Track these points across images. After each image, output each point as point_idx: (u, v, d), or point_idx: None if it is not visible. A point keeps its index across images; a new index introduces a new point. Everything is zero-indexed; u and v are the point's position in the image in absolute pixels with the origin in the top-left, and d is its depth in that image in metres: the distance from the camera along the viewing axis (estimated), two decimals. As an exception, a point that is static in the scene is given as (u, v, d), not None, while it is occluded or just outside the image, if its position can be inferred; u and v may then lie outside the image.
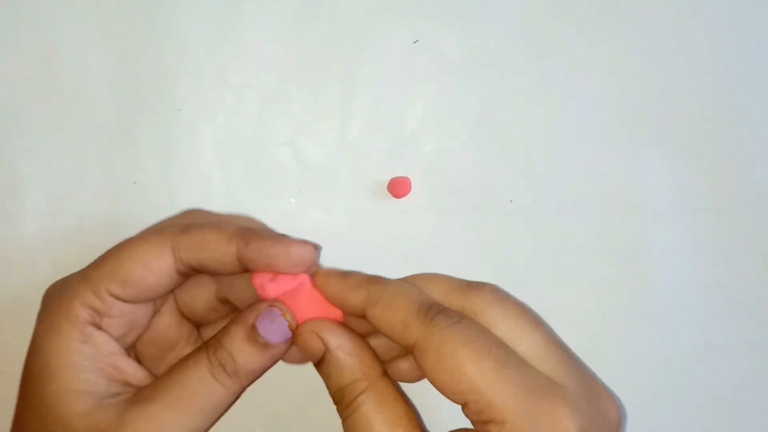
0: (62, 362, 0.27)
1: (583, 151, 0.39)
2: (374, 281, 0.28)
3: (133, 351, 0.31)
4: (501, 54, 0.39)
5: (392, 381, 0.28)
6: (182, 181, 0.39)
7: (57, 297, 0.29)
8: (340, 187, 0.39)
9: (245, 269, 0.29)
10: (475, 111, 0.39)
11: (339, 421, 0.38)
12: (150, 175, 0.39)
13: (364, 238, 0.38)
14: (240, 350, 0.28)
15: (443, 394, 0.25)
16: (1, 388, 0.38)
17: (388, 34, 0.39)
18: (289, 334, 0.28)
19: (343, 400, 0.27)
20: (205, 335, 0.34)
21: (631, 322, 0.39)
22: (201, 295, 0.32)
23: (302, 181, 0.39)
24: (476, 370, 0.24)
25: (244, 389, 0.29)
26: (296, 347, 0.29)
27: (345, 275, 0.28)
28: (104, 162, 0.39)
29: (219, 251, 0.28)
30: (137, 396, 0.28)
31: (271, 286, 0.29)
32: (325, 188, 0.39)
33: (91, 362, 0.28)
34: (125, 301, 0.29)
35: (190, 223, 0.30)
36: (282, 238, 0.28)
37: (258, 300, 0.29)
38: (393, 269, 0.38)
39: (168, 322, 0.32)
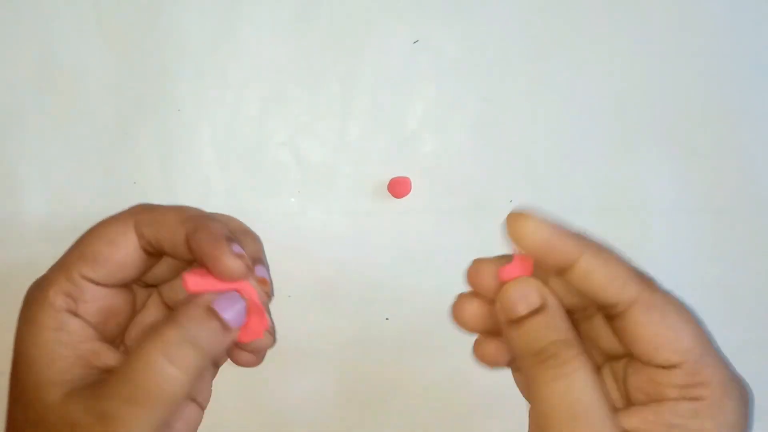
0: (38, 352, 0.27)
1: (583, 151, 0.39)
2: (583, 236, 0.27)
3: (122, 345, 0.31)
4: (501, 54, 0.39)
5: None
6: (182, 181, 0.39)
7: (35, 289, 0.29)
8: (340, 187, 0.39)
9: (192, 257, 0.28)
10: (475, 111, 0.39)
11: (338, 421, 0.38)
12: (150, 175, 0.39)
13: (364, 238, 0.38)
14: (200, 328, 0.27)
15: (651, 354, 0.25)
16: (2, 388, 0.38)
17: (388, 34, 0.39)
18: (244, 320, 0.28)
19: (556, 357, 0.25)
20: (164, 293, 0.33)
21: (631, 322, 0.39)
22: (182, 287, 0.32)
23: (302, 181, 0.39)
24: (697, 335, 0.25)
25: (200, 374, 0.28)
26: (456, 309, 0.29)
27: (552, 224, 0.27)
28: (104, 162, 0.39)
29: (172, 232, 0.28)
30: (102, 389, 0.27)
31: (192, 280, 0.28)
32: (325, 188, 0.39)
33: (66, 350, 0.27)
34: (98, 283, 0.28)
35: (156, 204, 0.30)
36: (222, 244, 0.27)
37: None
38: (393, 269, 0.38)
39: (155, 316, 0.32)
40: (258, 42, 0.39)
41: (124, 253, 0.28)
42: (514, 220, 0.26)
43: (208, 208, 0.39)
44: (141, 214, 0.29)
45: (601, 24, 0.39)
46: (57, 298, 0.28)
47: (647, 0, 0.39)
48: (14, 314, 0.38)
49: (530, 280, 0.27)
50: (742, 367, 0.38)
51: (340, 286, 0.38)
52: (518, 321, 0.26)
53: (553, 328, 0.26)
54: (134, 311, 0.31)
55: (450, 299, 0.38)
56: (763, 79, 0.39)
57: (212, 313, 0.27)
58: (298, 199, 0.39)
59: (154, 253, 0.29)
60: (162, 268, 0.31)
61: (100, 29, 0.39)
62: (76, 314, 0.28)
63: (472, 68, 0.39)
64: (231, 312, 0.28)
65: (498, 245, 0.38)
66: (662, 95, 0.39)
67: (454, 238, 0.38)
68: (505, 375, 0.38)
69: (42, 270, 0.38)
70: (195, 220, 0.28)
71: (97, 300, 0.29)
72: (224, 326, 0.27)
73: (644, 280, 0.26)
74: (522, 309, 0.26)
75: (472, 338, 0.39)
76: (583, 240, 0.26)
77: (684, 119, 0.39)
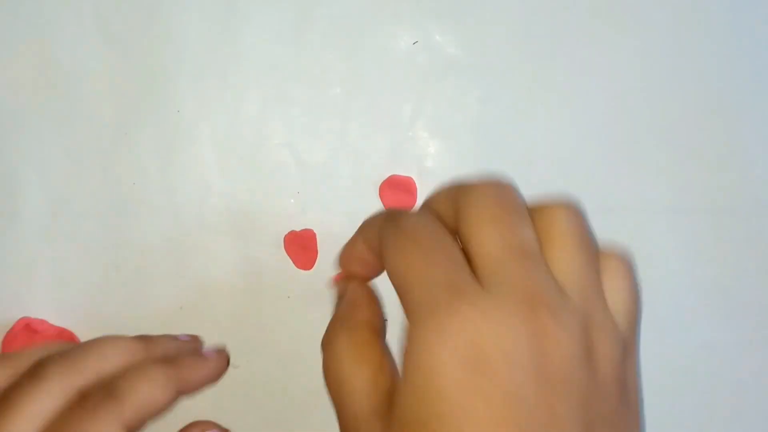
0: None
1: (583, 152, 0.39)
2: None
3: None
4: (501, 54, 0.39)
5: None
6: (182, 181, 0.39)
7: None
8: (340, 187, 0.39)
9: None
10: (475, 111, 0.39)
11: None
12: (149, 176, 0.39)
13: (364, 239, 0.38)
14: None
15: None
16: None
17: (388, 34, 0.39)
18: None
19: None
20: None
21: (631, 322, 0.39)
22: None
23: (302, 181, 0.39)
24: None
25: None
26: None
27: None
28: (104, 162, 0.39)
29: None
30: None
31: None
32: (325, 188, 0.39)
33: None
34: None
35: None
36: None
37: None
38: (393, 269, 0.38)
39: None
40: (258, 42, 0.39)
41: None
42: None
43: (208, 208, 0.39)
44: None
45: (600, 24, 0.39)
46: None
47: (647, 1, 0.39)
48: (14, 315, 0.38)
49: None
50: (741, 367, 0.39)
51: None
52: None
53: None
54: None
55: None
56: (763, 79, 0.39)
57: None
58: (297, 199, 0.39)
59: None
60: None
61: (100, 29, 0.39)
62: None
63: (472, 68, 0.39)
64: None
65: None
66: (661, 95, 0.39)
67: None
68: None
69: (41, 270, 0.38)
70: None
71: None
72: None
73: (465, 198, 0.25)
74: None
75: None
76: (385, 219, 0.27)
77: (683, 119, 0.39)
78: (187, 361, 0.28)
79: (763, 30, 0.39)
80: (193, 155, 0.39)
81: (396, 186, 0.38)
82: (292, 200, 0.39)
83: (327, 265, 0.38)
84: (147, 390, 0.26)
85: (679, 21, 0.39)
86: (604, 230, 0.39)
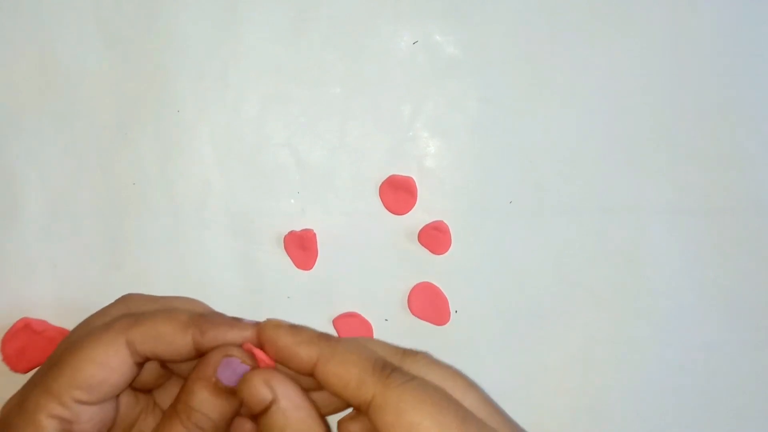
0: None
1: (583, 152, 0.39)
2: (326, 337, 0.27)
3: None
4: (501, 54, 0.39)
5: None
6: (181, 181, 0.39)
7: (19, 413, 0.27)
8: (340, 187, 0.39)
9: (201, 355, 0.28)
10: (475, 111, 0.39)
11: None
12: (149, 176, 0.39)
13: (364, 239, 0.38)
14: (212, 406, 0.27)
15: None
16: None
17: (388, 34, 0.39)
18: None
19: None
20: (158, 398, 0.32)
21: (631, 322, 0.39)
22: (147, 367, 0.31)
23: (302, 182, 0.39)
24: (438, 426, 0.24)
25: None
26: (242, 395, 0.27)
27: (295, 329, 0.27)
28: (103, 162, 0.39)
29: (175, 342, 0.28)
30: None
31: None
32: (324, 188, 0.39)
33: None
34: (92, 404, 0.28)
35: (138, 313, 0.29)
36: (236, 323, 0.28)
37: (212, 351, 0.28)
38: (392, 270, 0.38)
39: (126, 402, 0.31)
40: (258, 42, 0.39)
41: (119, 373, 0.28)
42: (264, 327, 0.27)
43: (208, 208, 0.39)
44: (131, 331, 0.28)
45: (600, 24, 0.39)
46: (49, 423, 0.27)
47: (647, 1, 0.39)
48: (14, 315, 0.38)
49: (264, 376, 0.27)
50: (741, 367, 0.39)
51: (339, 287, 0.38)
52: (258, 416, 0.27)
53: (278, 428, 0.26)
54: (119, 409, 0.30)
55: (450, 299, 0.38)
56: (763, 79, 0.39)
57: (219, 390, 0.27)
58: (297, 200, 0.39)
59: (143, 363, 0.29)
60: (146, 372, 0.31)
61: (100, 29, 0.39)
62: None
63: (472, 68, 0.39)
64: (237, 379, 0.27)
65: (497, 245, 0.39)
66: (661, 95, 0.39)
67: (454, 239, 0.38)
68: (504, 375, 0.39)
69: (41, 270, 0.38)
70: (195, 323, 0.28)
71: (92, 418, 0.28)
72: (231, 394, 0.27)
73: (384, 378, 0.25)
74: (256, 407, 0.26)
75: (474, 342, 0.39)
76: (326, 345, 0.26)
77: (683, 120, 0.39)
78: (217, 319, 0.28)
79: (763, 30, 0.39)
80: (193, 155, 0.39)
81: (396, 186, 0.38)
82: (292, 200, 0.39)
83: (327, 265, 0.38)
84: (164, 322, 0.28)
85: (679, 21, 0.39)
86: (604, 230, 0.39)
